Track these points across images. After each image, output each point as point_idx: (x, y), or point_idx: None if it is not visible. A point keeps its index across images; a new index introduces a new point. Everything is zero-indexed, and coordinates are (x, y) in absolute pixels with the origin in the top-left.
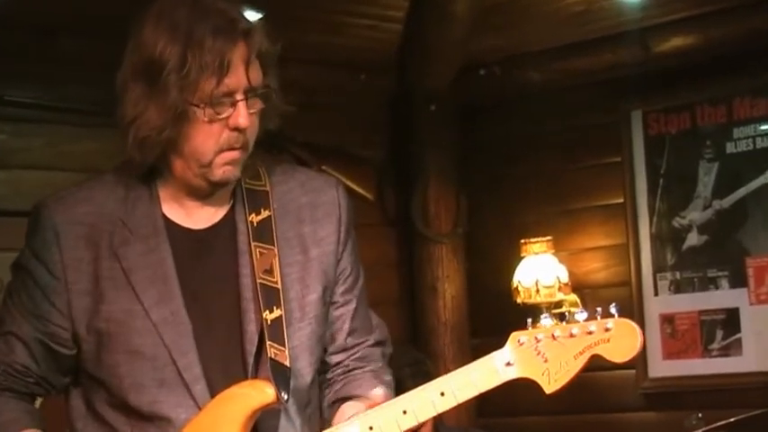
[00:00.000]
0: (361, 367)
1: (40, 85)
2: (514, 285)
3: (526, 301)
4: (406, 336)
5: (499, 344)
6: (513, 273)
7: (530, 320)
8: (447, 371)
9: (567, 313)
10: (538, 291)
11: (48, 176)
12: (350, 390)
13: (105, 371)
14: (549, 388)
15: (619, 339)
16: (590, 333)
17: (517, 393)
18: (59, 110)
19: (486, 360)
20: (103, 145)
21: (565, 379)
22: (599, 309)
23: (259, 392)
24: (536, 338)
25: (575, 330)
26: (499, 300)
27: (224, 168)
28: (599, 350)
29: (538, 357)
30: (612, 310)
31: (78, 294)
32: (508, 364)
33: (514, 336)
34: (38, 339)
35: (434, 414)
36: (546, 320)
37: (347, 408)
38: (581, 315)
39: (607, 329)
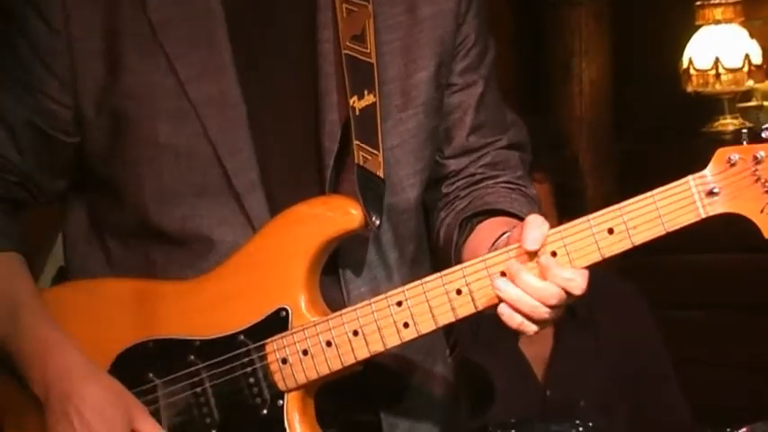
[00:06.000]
0: (492, 177)
1: None
2: (683, 67)
3: (700, 89)
4: None
5: (660, 153)
6: (683, 50)
7: (744, 131)
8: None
9: None
10: (718, 76)
11: None
12: (480, 206)
13: (120, 171)
14: None
15: None
16: None
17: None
18: None
19: (680, 186)
20: None
21: None
22: None
23: (340, 214)
24: (755, 158)
25: None
26: (660, 87)
27: None
28: None
29: (756, 186)
30: None
31: (86, 56)
32: (711, 192)
33: (722, 153)
34: (26, 121)
35: (598, 260)
36: None
37: (486, 229)
38: None
39: None
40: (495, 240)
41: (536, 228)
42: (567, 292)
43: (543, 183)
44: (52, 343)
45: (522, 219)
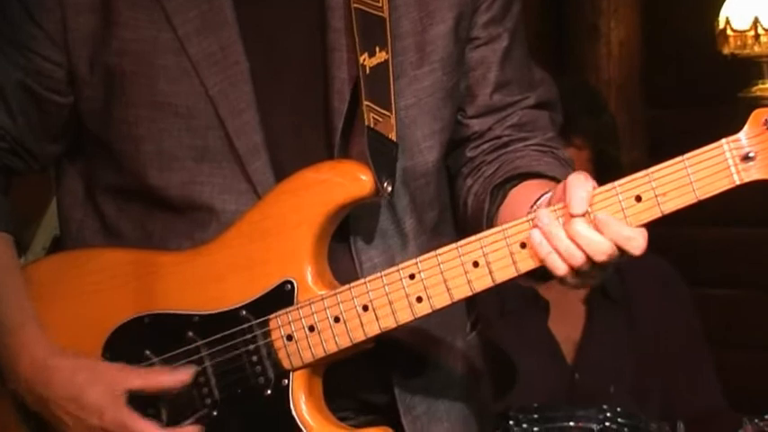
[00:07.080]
0: (521, 139)
1: None
2: (720, 27)
3: (737, 52)
4: None
5: (693, 119)
6: (719, 8)
7: None
8: None
9: None
10: (757, 37)
11: None
12: (511, 170)
13: (116, 133)
14: None
15: None
16: None
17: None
18: None
19: (713, 150)
20: None
21: None
22: None
23: (349, 180)
24: None
25: None
26: (694, 49)
27: None
28: None
29: None
30: None
31: (78, 11)
32: (746, 157)
33: (758, 114)
34: (17, 82)
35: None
36: None
37: (521, 193)
38: None
39: None
40: (535, 202)
41: (580, 186)
42: (624, 251)
43: (582, 149)
44: (22, 339)
45: (559, 182)
